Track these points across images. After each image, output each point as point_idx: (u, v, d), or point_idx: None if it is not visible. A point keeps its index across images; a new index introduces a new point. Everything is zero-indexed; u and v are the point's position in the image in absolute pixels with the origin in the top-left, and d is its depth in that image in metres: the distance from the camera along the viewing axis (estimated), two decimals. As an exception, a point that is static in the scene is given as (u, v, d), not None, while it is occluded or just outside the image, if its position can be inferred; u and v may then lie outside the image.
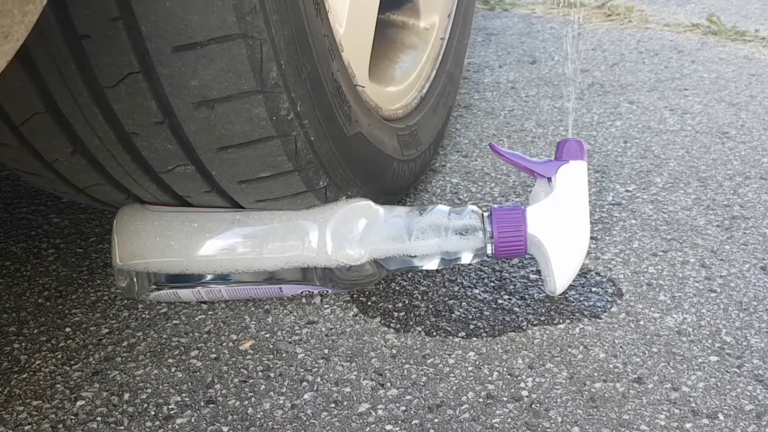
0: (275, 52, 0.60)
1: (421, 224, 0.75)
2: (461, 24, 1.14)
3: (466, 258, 0.76)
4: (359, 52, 0.82)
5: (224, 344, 0.75)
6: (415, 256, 0.75)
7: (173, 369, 0.72)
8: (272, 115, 0.62)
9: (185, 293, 0.77)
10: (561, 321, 0.77)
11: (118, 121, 0.62)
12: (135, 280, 0.75)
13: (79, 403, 0.68)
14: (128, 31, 0.55)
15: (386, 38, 1.03)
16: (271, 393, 0.68)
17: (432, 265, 0.76)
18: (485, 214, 0.76)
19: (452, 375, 0.70)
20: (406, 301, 0.81)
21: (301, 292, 0.78)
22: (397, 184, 0.91)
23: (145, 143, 0.64)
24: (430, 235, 0.74)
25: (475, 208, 0.77)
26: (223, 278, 0.75)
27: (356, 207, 0.76)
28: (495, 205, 0.77)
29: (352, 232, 0.74)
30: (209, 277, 0.75)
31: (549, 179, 0.77)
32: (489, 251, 0.75)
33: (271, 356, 0.73)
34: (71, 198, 0.79)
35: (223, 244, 0.74)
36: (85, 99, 0.60)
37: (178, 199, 0.73)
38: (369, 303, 0.80)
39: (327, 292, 0.79)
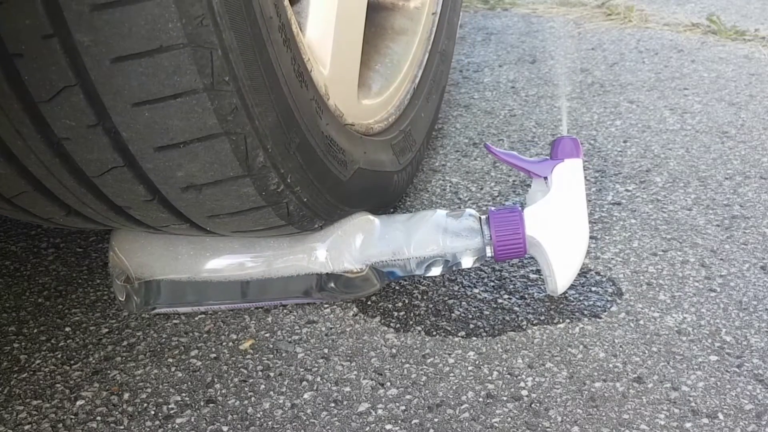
0: (260, 140, 0.59)
1: (419, 232, 0.75)
2: None
3: (467, 262, 0.75)
4: (347, 85, 0.78)
5: (224, 344, 0.75)
6: (416, 264, 0.75)
7: (173, 369, 0.72)
8: (261, 191, 0.62)
9: (184, 308, 0.77)
10: (561, 320, 0.77)
11: (108, 198, 0.61)
12: (134, 296, 0.75)
13: (79, 402, 0.68)
14: (109, 135, 0.55)
15: (375, 24, 0.98)
16: (271, 392, 0.68)
17: (433, 272, 0.76)
18: (483, 217, 0.76)
19: (452, 374, 0.70)
20: (406, 301, 0.81)
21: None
22: (397, 193, 0.90)
23: (138, 213, 0.64)
24: (428, 243, 0.74)
25: (472, 211, 0.76)
26: (222, 300, 0.76)
27: (355, 222, 0.75)
28: (493, 208, 0.77)
29: (352, 246, 0.74)
30: (210, 300, 0.76)
31: (545, 178, 0.77)
32: (489, 254, 0.75)
33: (271, 356, 0.73)
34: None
35: (222, 263, 0.74)
36: (72, 183, 0.59)
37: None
38: (369, 302, 0.80)
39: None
